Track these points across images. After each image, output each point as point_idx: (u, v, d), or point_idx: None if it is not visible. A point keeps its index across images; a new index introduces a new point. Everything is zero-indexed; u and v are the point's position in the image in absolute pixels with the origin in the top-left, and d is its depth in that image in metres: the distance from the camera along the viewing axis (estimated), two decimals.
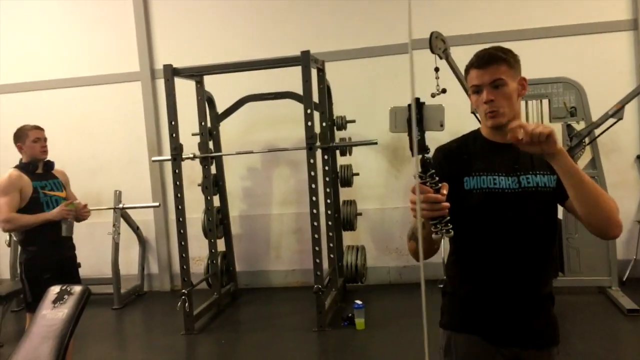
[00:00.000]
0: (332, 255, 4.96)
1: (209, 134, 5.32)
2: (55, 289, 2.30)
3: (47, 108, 6.17)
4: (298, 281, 5.96)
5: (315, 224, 4.42)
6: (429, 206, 1.36)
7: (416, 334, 4.15)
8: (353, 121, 5.29)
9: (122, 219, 5.72)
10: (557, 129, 4.59)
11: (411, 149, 1.39)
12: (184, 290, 4.56)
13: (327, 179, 4.88)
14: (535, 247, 1.64)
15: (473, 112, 4.24)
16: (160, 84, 5.73)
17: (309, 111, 4.39)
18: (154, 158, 5.74)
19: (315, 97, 4.73)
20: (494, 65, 1.61)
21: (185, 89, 5.00)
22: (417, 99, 1.39)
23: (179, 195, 4.69)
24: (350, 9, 5.72)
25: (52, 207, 3.34)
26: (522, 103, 4.55)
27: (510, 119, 1.61)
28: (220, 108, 5.45)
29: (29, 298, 3.30)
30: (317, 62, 4.78)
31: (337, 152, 5.31)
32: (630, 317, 4.22)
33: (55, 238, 3.34)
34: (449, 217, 1.38)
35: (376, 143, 4.96)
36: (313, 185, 4.42)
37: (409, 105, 1.40)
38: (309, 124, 4.39)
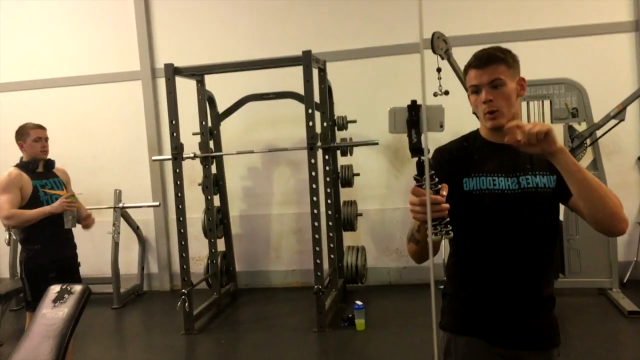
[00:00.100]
0: (332, 256, 4.96)
1: (210, 133, 5.32)
2: (55, 288, 2.29)
3: (48, 107, 6.16)
4: (298, 281, 5.96)
5: (316, 224, 4.42)
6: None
7: (416, 334, 4.17)
8: (354, 121, 5.29)
9: (122, 219, 5.72)
10: (559, 130, 4.58)
11: (411, 150, 1.39)
12: (183, 290, 4.56)
13: (328, 179, 4.88)
14: (536, 248, 1.63)
15: (474, 113, 4.22)
16: (161, 83, 5.75)
17: (310, 111, 4.38)
18: (154, 157, 5.73)
19: (316, 97, 4.74)
20: (492, 65, 1.61)
21: (186, 88, 5.00)
22: (414, 102, 1.38)
23: (179, 194, 4.69)
24: (350, 9, 5.72)
25: None
26: (524, 104, 4.55)
27: (509, 119, 1.60)
28: (221, 107, 5.44)
29: (29, 297, 3.29)
30: (319, 62, 4.78)
31: (338, 152, 5.30)
32: (630, 319, 4.22)
33: (56, 237, 3.33)
34: (448, 219, 1.37)
35: (377, 143, 4.97)
36: (314, 186, 4.41)
37: (409, 106, 1.39)
38: (310, 124, 4.39)
